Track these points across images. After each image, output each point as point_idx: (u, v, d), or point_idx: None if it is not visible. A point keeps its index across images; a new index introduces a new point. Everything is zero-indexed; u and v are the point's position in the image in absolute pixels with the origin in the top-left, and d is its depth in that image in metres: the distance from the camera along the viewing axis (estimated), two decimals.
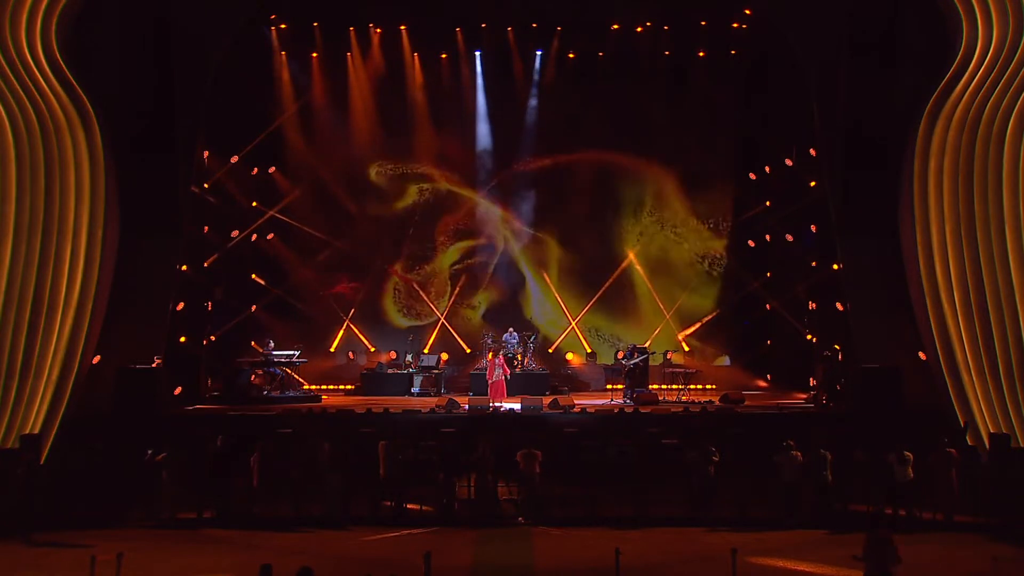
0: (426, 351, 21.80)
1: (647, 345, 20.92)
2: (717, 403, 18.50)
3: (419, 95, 22.17)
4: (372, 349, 22.55)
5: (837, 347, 18.29)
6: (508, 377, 18.80)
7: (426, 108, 22.34)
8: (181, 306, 18.49)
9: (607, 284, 22.68)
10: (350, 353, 22.51)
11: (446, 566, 10.63)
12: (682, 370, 20.12)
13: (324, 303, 22.55)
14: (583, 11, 20.58)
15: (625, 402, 18.72)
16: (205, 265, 20.06)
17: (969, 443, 15.08)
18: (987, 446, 14.82)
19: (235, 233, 21.09)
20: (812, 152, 19.33)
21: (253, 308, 21.57)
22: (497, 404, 17.76)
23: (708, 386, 20.94)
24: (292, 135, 22.08)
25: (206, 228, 20.18)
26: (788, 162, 20.88)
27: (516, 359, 20.76)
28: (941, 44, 15.52)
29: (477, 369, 20.55)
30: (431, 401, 18.54)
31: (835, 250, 18.19)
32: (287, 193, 22.28)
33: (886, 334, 16.80)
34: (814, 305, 20.06)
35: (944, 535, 12.75)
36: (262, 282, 22.00)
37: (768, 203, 21.88)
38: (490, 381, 18.57)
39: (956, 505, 13.37)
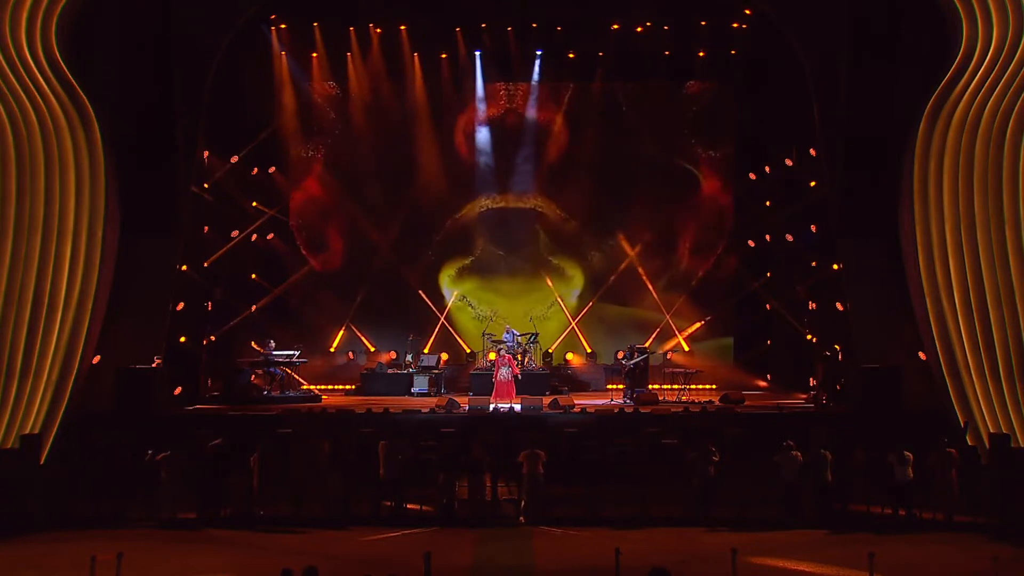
0: (426, 351, 21.79)
1: (647, 345, 20.94)
2: (717, 403, 18.48)
3: (419, 95, 22.17)
4: (372, 349, 22.53)
5: (837, 347, 18.28)
6: (519, 376, 18.64)
7: (426, 108, 22.36)
8: (181, 306, 18.46)
9: (607, 284, 22.70)
10: (350, 353, 22.50)
11: (446, 566, 10.62)
12: (682, 370, 20.11)
13: (324, 303, 22.53)
14: (583, 11, 20.56)
15: (625, 402, 18.71)
16: (205, 265, 20.04)
17: (969, 443, 15.06)
18: (987, 446, 14.80)
19: (235, 233, 21.06)
20: (812, 152, 19.32)
21: (253, 308, 21.55)
22: (501, 405, 17.70)
23: (708, 386, 20.96)
24: (292, 135, 22.07)
25: (206, 228, 20.16)
26: (788, 162, 20.88)
27: (516, 359, 20.71)
28: (941, 44, 15.50)
29: (477, 369, 20.57)
30: (431, 401, 18.52)
31: (835, 250, 18.18)
32: (287, 193, 22.29)
33: (886, 334, 16.80)
34: (814, 305, 20.05)
35: (944, 535, 12.74)
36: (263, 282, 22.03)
37: (768, 203, 21.87)
38: (496, 380, 18.33)
39: (956, 505, 13.36)
